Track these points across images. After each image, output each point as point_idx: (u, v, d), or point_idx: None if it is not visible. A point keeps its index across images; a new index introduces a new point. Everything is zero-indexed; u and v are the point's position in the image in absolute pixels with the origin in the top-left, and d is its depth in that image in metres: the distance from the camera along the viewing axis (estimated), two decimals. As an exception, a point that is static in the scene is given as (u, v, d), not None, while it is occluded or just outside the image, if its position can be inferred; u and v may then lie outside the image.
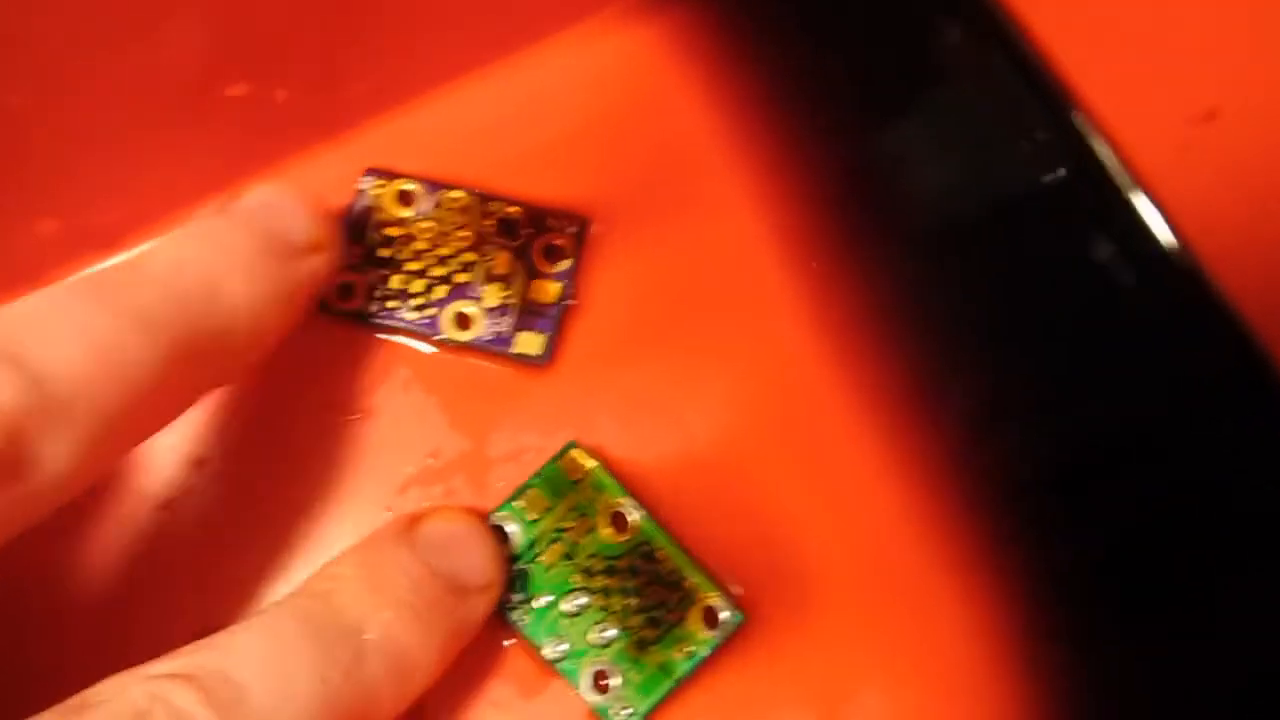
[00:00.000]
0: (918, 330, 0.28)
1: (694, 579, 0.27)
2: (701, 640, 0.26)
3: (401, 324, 0.28)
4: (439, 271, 0.28)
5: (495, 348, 0.28)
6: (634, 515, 0.27)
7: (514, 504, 0.27)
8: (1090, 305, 0.28)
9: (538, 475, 0.28)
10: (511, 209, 0.29)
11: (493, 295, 0.28)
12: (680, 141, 0.30)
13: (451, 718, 0.27)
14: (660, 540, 0.27)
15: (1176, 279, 0.27)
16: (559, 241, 0.29)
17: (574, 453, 0.28)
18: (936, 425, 0.28)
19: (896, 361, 0.28)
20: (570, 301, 0.29)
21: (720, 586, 0.27)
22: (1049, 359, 0.28)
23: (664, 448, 0.28)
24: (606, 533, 0.27)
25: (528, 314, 0.28)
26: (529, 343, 0.28)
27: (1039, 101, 0.28)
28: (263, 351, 0.25)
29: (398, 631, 0.23)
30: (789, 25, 0.30)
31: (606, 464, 0.28)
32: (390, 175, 0.29)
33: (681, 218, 0.29)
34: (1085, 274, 0.28)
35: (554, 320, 0.28)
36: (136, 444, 0.23)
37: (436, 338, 0.28)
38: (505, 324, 0.28)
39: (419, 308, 0.28)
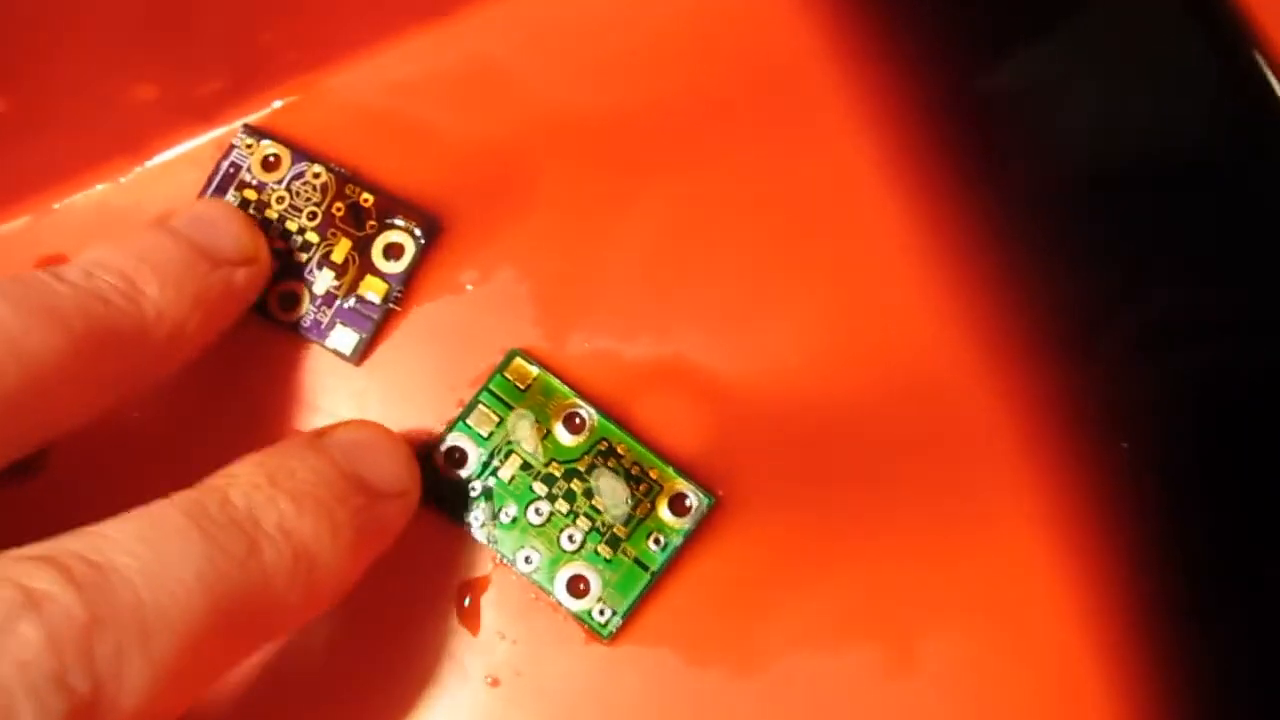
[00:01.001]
0: (1047, 266, 0.27)
1: (658, 469, 0.26)
2: (673, 529, 0.25)
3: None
4: (279, 246, 0.27)
5: (311, 335, 0.27)
6: (588, 414, 0.26)
7: (465, 422, 0.26)
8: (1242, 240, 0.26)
9: (484, 389, 0.27)
10: (365, 197, 0.28)
11: (323, 282, 0.27)
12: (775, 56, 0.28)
13: (443, 643, 0.26)
14: (617, 436, 0.26)
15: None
16: (399, 240, 0.27)
17: (518, 361, 0.27)
18: (1059, 363, 0.26)
19: (1011, 293, 0.26)
20: (394, 306, 0.27)
21: (686, 473, 0.26)
22: (1197, 299, 0.27)
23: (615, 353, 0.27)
24: (562, 437, 0.26)
25: (350, 310, 0.27)
26: (342, 339, 0.27)
27: (1203, 32, 0.26)
28: (184, 355, 0.25)
29: (298, 524, 0.21)
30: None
31: (550, 369, 0.27)
32: (261, 135, 0.28)
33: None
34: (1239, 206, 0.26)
35: (373, 321, 0.27)
36: (45, 434, 0.23)
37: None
38: (326, 314, 0.27)
39: None
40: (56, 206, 0.30)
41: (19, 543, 0.19)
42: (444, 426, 0.27)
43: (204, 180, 0.29)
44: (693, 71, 0.28)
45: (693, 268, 0.27)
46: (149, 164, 0.29)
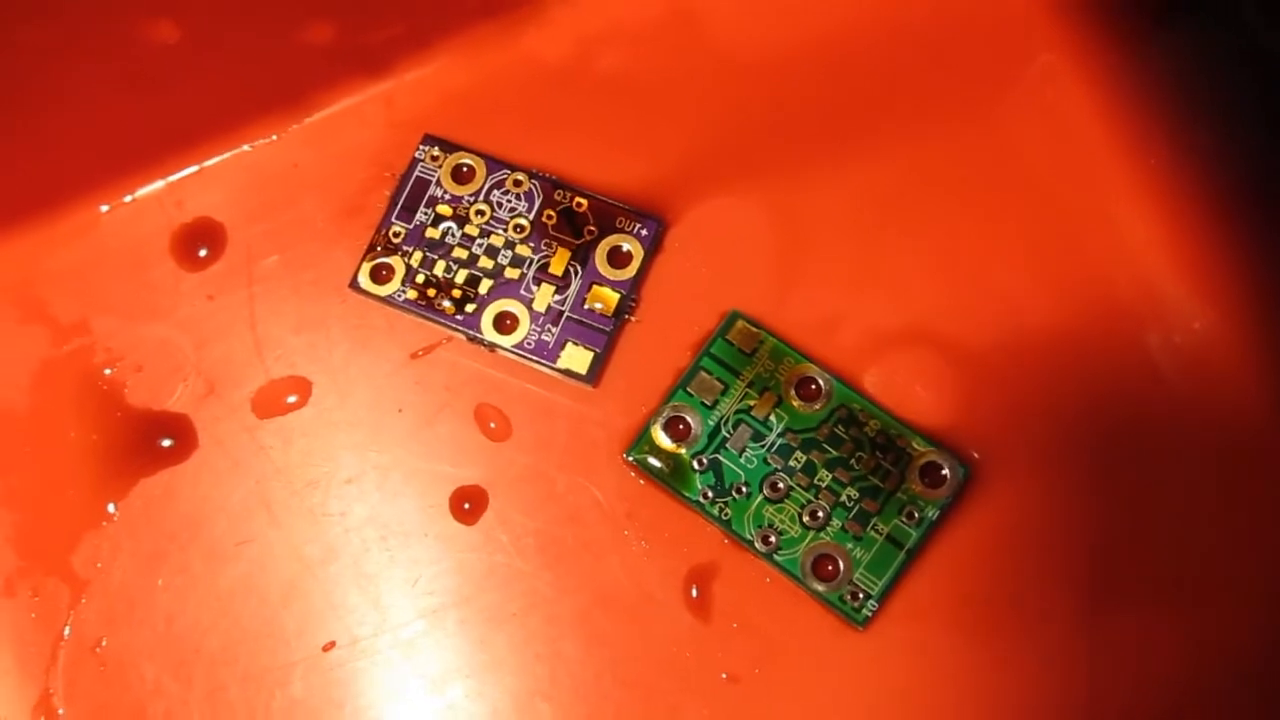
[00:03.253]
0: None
1: (905, 437, 0.23)
2: (928, 501, 0.23)
3: (438, 318, 0.25)
4: (486, 263, 0.25)
5: (537, 359, 0.24)
6: (824, 381, 0.24)
7: (685, 390, 0.24)
8: None
9: (704, 354, 0.24)
10: (579, 201, 0.25)
11: (543, 298, 0.25)
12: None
13: (674, 629, 0.23)
14: (858, 402, 0.24)
15: None
16: (626, 244, 0.25)
17: (740, 323, 0.24)
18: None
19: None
20: (628, 317, 0.25)
21: (936, 441, 0.23)
22: None
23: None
24: (796, 404, 0.24)
25: (579, 325, 0.25)
26: (575, 358, 0.24)
27: None
28: None
29: None
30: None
31: (775, 331, 0.24)
32: (449, 146, 0.26)
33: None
34: None
35: (608, 336, 0.24)
36: None
37: (472, 337, 0.25)
38: (551, 333, 0.25)
39: (459, 301, 0.25)
40: (199, 168, 0.27)
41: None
42: (659, 398, 0.24)
43: (366, 142, 0.26)
44: (911, 26, 0.26)
45: (918, 229, 0.25)
46: (307, 120, 0.27)
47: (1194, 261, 0.24)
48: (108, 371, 0.26)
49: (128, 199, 0.27)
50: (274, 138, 0.27)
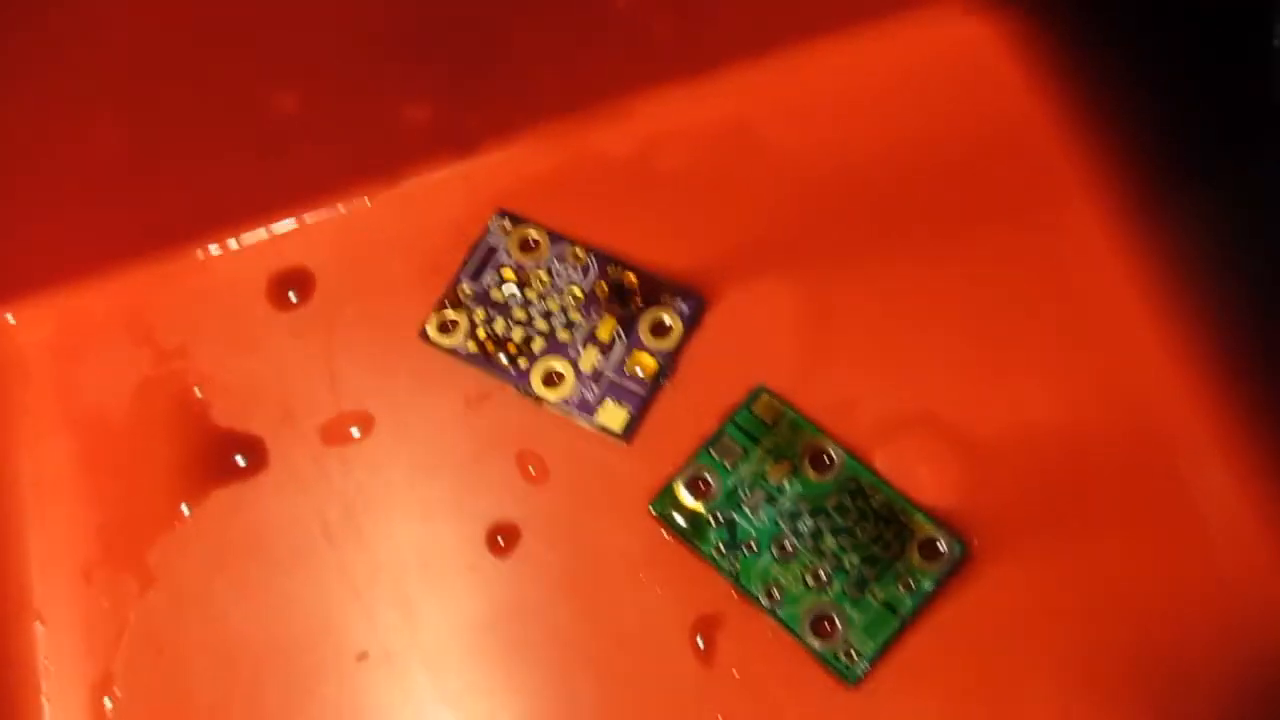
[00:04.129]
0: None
1: (907, 513, 0.25)
2: (925, 573, 0.25)
3: (494, 370, 0.28)
4: (542, 326, 0.28)
5: (579, 413, 0.27)
6: (836, 454, 0.26)
7: (709, 451, 0.26)
8: None
9: (730, 422, 0.27)
10: (629, 275, 0.28)
11: (589, 360, 0.27)
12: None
13: (678, 670, 0.25)
14: (867, 476, 0.26)
15: None
16: (667, 317, 0.28)
17: (765, 397, 0.27)
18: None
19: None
20: (664, 382, 0.27)
21: (935, 519, 0.25)
22: None
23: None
24: (809, 474, 0.26)
25: (618, 386, 0.27)
26: (612, 416, 0.27)
27: None
28: None
29: None
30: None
31: (796, 407, 0.27)
32: (518, 220, 0.29)
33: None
34: None
35: (643, 398, 0.27)
36: None
37: (523, 389, 0.27)
38: (593, 392, 0.27)
39: (513, 356, 0.28)
40: (297, 223, 0.30)
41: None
42: (684, 459, 0.26)
43: (447, 211, 0.30)
44: (933, 139, 0.29)
45: (939, 327, 0.27)
46: (397, 188, 0.30)
47: (1206, 393, 0.26)
48: (197, 392, 0.29)
49: (233, 244, 0.30)
50: (367, 201, 0.30)
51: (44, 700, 0.26)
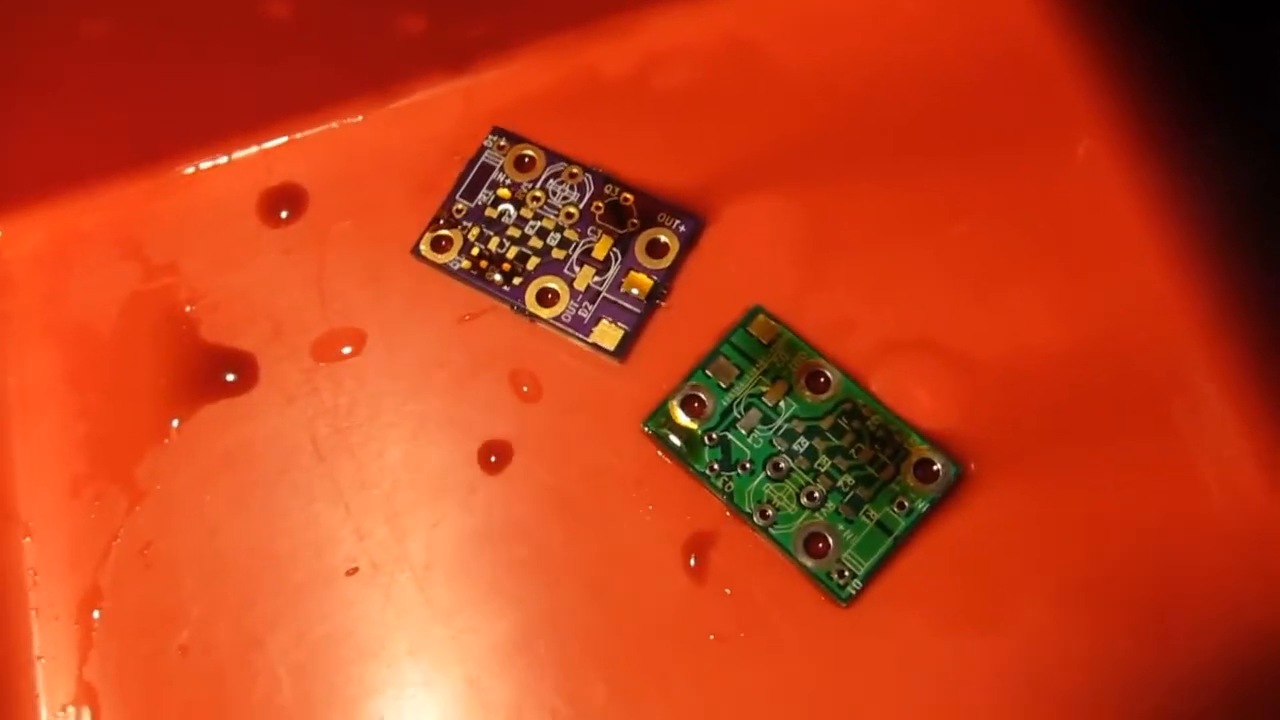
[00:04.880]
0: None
1: (903, 434, 0.25)
2: (919, 494, 0.25)
3: (487, 287, 0.27)
4: (536, 243, 0.27)
5: (572, 331, 0.27)
6: (832, 374, 0.26)
7: (704, 371, 0.26)
8: None
9: (725, 342, 0.26)
10: (625, 196, 0.28)
11: (584, 278, 0.27)
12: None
13: (670, 588, 0.25)
14: (863, 397, 0.25)
15: None
16: (664, 237, 0.27)
17: (761, 317, 0.26)
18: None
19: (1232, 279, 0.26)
20: (660, 302, 0.27)
21: (931, 441, 0.25)
22: None
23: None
24: (805, 394, 0.26)
25: (613, 305, 0.27)
26: (606, 334, 0.27)
27: None
28: None
29: None
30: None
31: (793, 327, 0.26)
32: (515, 137, 0.29)
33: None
34: None
35: (638, 317, 0.27)
36: None
37: (517, 307, 0.27)
38: (588, 310, 0.27)
39: (508, 275, 0.27)
40: (290, 139, 0.30)
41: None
42: (679, 379, 0.26)
43: (442, 128, 0.29)
44: (941, 59, 0.29)
45: (939, 249, 0.27)
46: (391, 105, 0.30)
47: (1207, 316, 0.26)
48: (188, 309, 0.28)
49: (224, 160, 0.30)
50: (360, 118, 0.30)
51: (32, 612, 0.26)
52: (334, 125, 0.30)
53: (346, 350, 0.28)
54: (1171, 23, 0.28)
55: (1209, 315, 0.26)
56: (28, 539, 0.27)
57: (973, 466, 0.25)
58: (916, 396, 0.26)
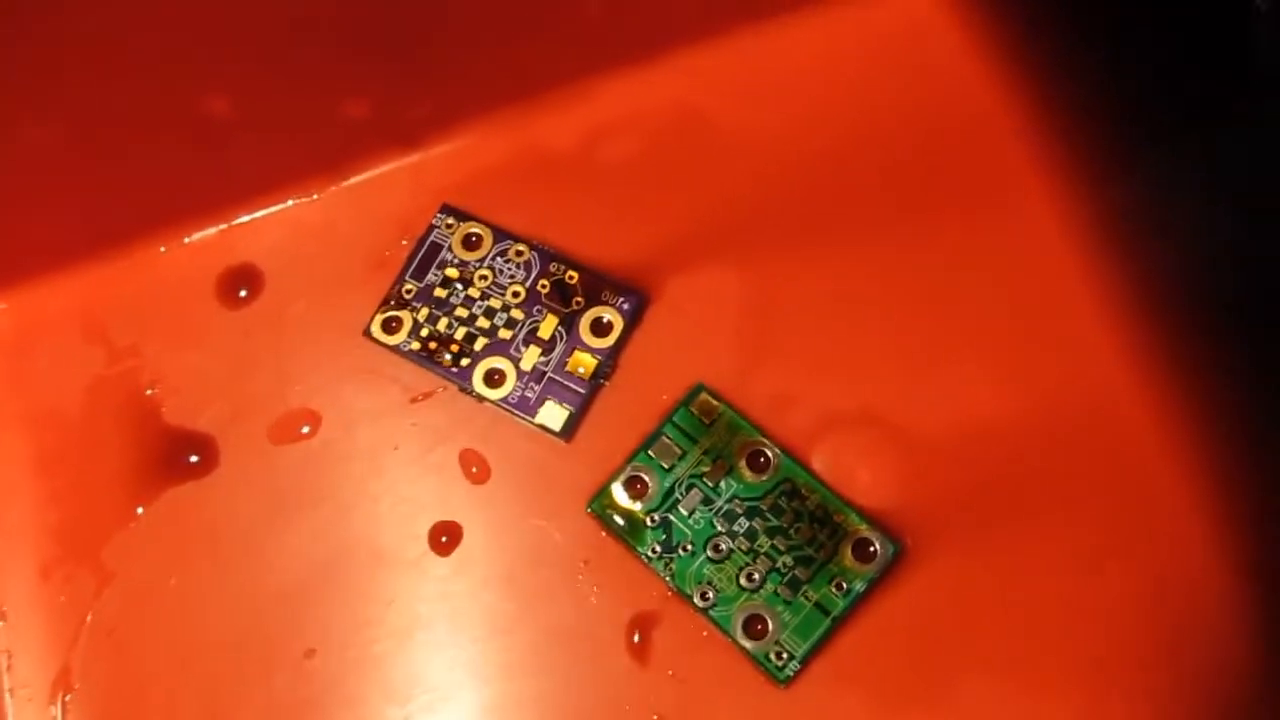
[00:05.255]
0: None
1: (842, 513, 0.25)
2: (857, 574, 0.25)
3: (436, 369, 0.28)
4: (484, 323, 0.28)
5: (518, 412, 0.27)
6: (772, 454, 0.26)
7: (647, 453, 0.26)
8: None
9: (668, 422, 0.27)
10: (571, 274, 0.28)
11: (530, 358, 0.27)
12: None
13: (614, 668, 0.25)
14: (802, 477, 0.26)
15: None
16: (608, 315, 0.28)
17: (704, 396, 0.27)
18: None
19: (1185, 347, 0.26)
20: (603, 381, 0.27)
21: (870, 519, 0.25)
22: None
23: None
24: (745, 474, 0.26)
25: (559, 385, 0.27)
26: (552, 415, 0.27)
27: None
28: None
29: None
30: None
31: (735, 406, 0.27)
32: (462, 216, 0.29)
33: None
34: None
35: (583, 397, 0.27)
36: None
37: (464, 389, 0.28)
38: (534, 390, 0.27)
39: (456, 355, 0.28)
40: (247, 219, 0.30)
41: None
42: (624, 457, 0.27)
43: (393, 206, 0.30)
44: (883, 124, 0.29)
45: (881, 322, 0.27)
46: (344, 183, 0.30)
47: (1146, 380, 0.26)
48: (149, 391, 0.29)
49: (186, 240, 0.30)
50: (315, 196, 0.30)
51: (7, 694, 0.27)
52: (289, 204, 0.30)
53: (305, 430, 0.28)
54: (1103, 62, 0.28)
55: (1156, 391, 0.26)
56: (1, 622, 0.28)
57: (910, 543, 0.25)
58: (856, 474, 0.26)
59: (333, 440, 0.28)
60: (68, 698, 0.27)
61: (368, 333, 0.28)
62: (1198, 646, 0.24)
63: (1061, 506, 0.25)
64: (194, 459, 0.29)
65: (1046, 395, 0.26)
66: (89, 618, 0.28)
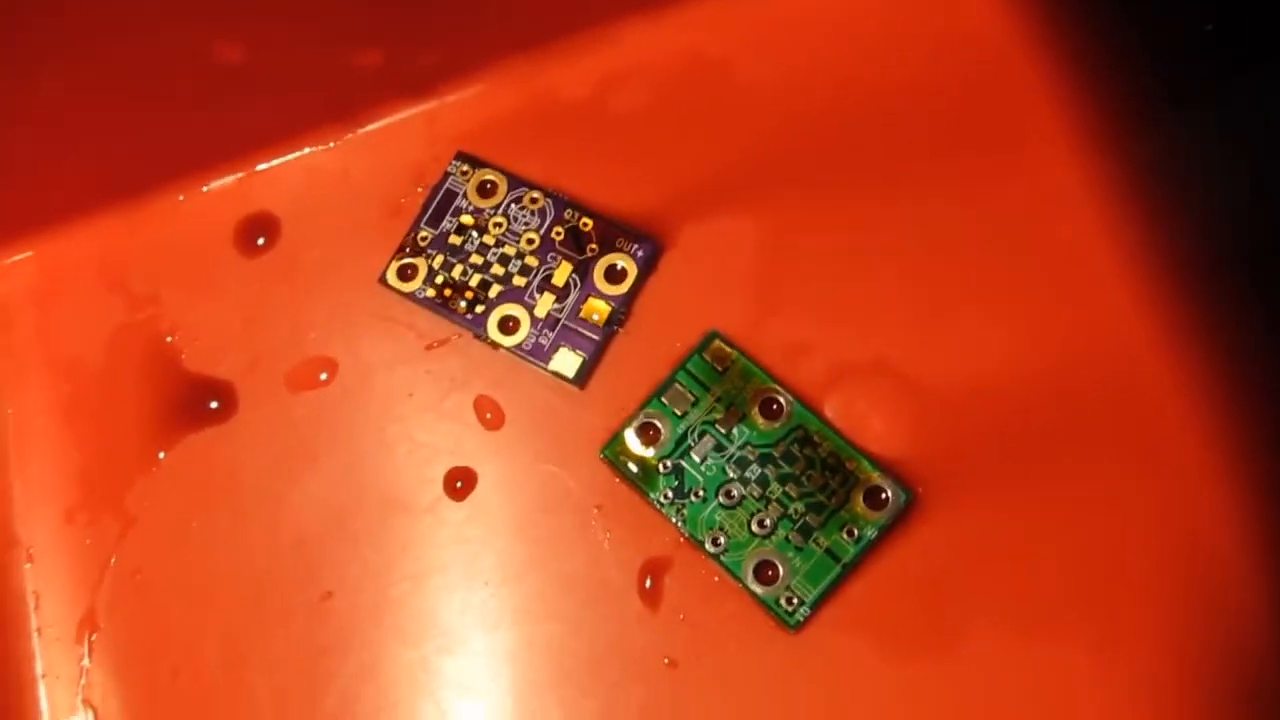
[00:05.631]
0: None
1: (854, 461, 0.25)
2: (868, 522, 0.25)
3: (451, 316, 0.28)
4: (498, 270, 0.28)
5: (533, 359, 0.27)
6: (785, 401, 0.26)
7: (660, 399, 0.26)
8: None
9: (681, 368, 0.27)
10: (585, 221, 0.28)
11: (544, 305, 0.27)
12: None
13: (626, 613, 0.26)
14: (815, 424, 0.26)
15: None
16: (622, 262, 0.27)
17: (717, 343, 0.27)
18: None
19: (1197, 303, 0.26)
20: (618, 328, 0.27)
21: (882, 467, 0.25)
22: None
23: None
24: (758, 421, 0.26)
25: (573, 332, 0.27)
26: (566, 362, 0.27)
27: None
28: None
29: None
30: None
31: (749, 353, 0.27)
32: (477, 163, 0.29)
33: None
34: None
35: (597, 344, 0.27)
36: None
37: (479, 335, 0.28)
38: (548, 338, 0.27)
39: (471, 302, 0.28)
40: (265, 167, 0.30)
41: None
42: (637, 404, 0.27)
43: (408, 155, 0.30)
44: (902, 71, 0.28)
45: (895, 272, 0.27)
46: (359, 131, 0.30)
47: (1165, 337, 0.26)
48: (169, 339, 0.29)
49: (204, 189, 0.31)
50: (331, 144, 0.30)
51: (34, 633, 0.28)
52: (306, 152, 0.30)
53: (322, 377, 0.29)
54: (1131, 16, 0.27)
55: (1167, 337, 0.26)
56: (28, 564, 0.28)
57: (922, 491, 0.25)
58: (869, 422, 0.26)
59: (349, 387, 0.29)
60: (93, 637, 0.28)
61: (383, 280, 0.29)
62: (1211, 600, 0.24)
63: (1075, 460, 0.25)
64: (214, 405, 0.29)
65: (1063, 348, 0.26)
66: (112, 560, 0.28)
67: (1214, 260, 0.26)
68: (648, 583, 0.26)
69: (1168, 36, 0.27)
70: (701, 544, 0.25)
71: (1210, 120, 0.27)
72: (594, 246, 0.28)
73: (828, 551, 0.25)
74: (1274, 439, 0.25)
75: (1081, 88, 0.28)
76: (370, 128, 0.30)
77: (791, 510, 0.25)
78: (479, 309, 0.28)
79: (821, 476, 0.25)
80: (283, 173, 0.30)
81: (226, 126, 0.29)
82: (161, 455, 0.29)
